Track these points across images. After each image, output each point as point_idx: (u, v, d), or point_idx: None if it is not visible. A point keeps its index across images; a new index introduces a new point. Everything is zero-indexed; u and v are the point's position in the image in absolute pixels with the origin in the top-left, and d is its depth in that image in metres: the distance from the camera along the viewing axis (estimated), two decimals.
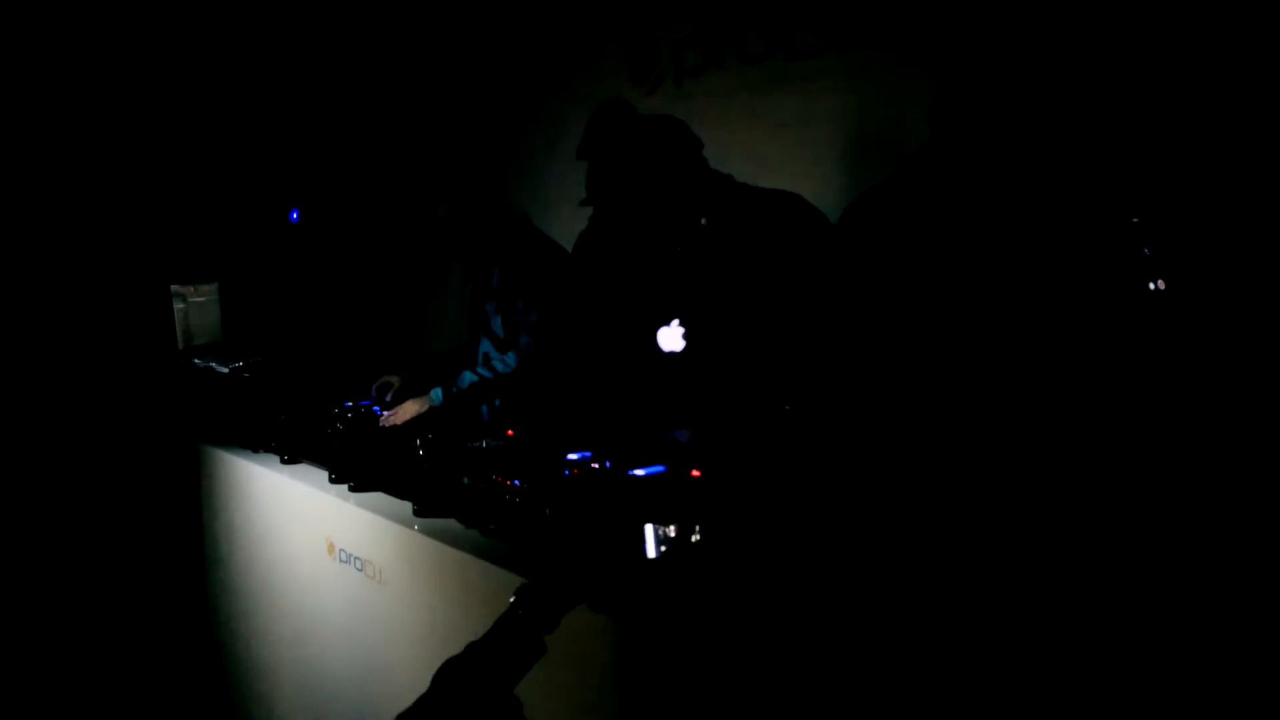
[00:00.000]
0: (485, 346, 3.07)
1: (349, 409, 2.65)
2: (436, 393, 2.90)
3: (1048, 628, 1.43)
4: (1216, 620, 1.43)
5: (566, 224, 3.76)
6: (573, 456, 1.95)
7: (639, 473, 1.77)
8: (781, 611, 1.53)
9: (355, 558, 2.35)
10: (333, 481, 2.55)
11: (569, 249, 3.36)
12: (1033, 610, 1.47)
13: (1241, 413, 1.83)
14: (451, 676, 1.36)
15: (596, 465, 1.89)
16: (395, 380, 3.05)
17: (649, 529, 1.61)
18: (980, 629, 1.44)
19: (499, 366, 2.99)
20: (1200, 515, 1.69)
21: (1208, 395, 1.85)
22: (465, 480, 2.12)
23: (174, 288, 3.65)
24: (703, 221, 2.31)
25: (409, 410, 2.83)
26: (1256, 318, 1.95)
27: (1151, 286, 1.86)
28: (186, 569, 3.36)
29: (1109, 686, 1.32)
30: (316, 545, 2.53)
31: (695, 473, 1.79)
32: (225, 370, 3.26)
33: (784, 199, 2.32)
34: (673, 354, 2.38)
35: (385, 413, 2.78)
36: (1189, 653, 1.36)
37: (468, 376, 2.97)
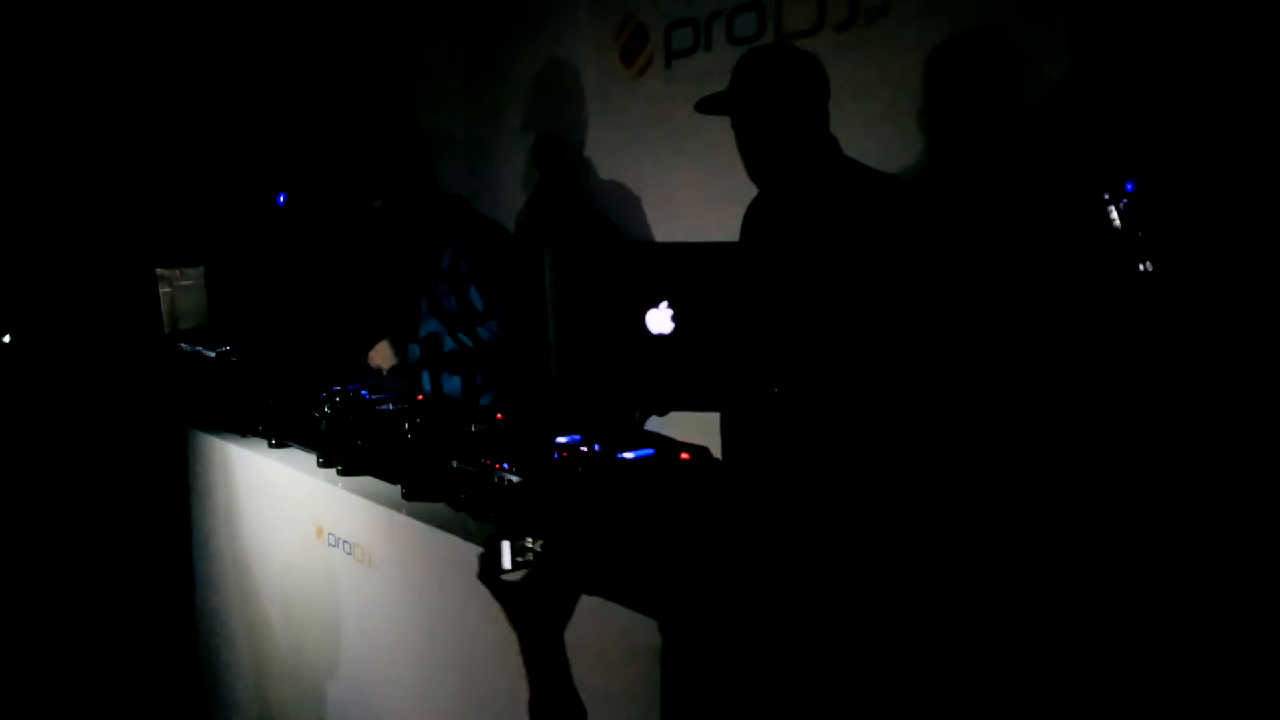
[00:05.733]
0: (433, 327, 3.12)
1: (337, 392, 2.63)
2: (414, 349, 3.03)
3: (1028, 608, 1.43)
4: (1201, 602, 1.44)
5: (542, 212, 3.77)
6: (562, 440, 1.94)
7: (628, 455, 1.77)
8: (773, 603, 1.53)
9: (344, 541, 2.35)
10: (321, 465, 2.54)
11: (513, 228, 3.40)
12: (1013, 591, 1.48)
13: (1231, 395, 1.84)
14: None
15: (586, 448, 1.88)
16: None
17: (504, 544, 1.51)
18: (966, 616, 1.44)
19: (482, 334, 3.04)
20: (1192, 502, 1.70)
21: (1197, 378, 1.85)
22: (454, 463, 2.11)
23: (159, 271, 3.62)
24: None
25: (384, 355, 3.02)
26: (1248, 301, 1.95)
27: (1140, 268, 1.86)
28: (173, 554, 3.35)
29: (1105, 682, 1.32)
30: (305, 529, 2.52)
31: (684, 455, 1.79)
32: (212, 354, 3.24)
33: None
34: (661, 336, 2.37)
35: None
36: (1182, 644, 1.37)
37: (448, 342, 3.03)
